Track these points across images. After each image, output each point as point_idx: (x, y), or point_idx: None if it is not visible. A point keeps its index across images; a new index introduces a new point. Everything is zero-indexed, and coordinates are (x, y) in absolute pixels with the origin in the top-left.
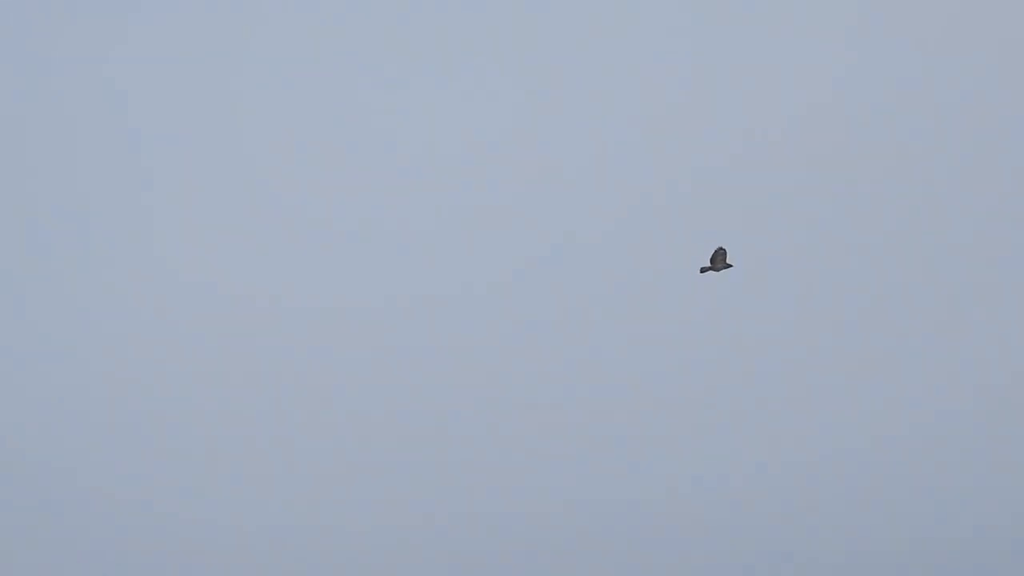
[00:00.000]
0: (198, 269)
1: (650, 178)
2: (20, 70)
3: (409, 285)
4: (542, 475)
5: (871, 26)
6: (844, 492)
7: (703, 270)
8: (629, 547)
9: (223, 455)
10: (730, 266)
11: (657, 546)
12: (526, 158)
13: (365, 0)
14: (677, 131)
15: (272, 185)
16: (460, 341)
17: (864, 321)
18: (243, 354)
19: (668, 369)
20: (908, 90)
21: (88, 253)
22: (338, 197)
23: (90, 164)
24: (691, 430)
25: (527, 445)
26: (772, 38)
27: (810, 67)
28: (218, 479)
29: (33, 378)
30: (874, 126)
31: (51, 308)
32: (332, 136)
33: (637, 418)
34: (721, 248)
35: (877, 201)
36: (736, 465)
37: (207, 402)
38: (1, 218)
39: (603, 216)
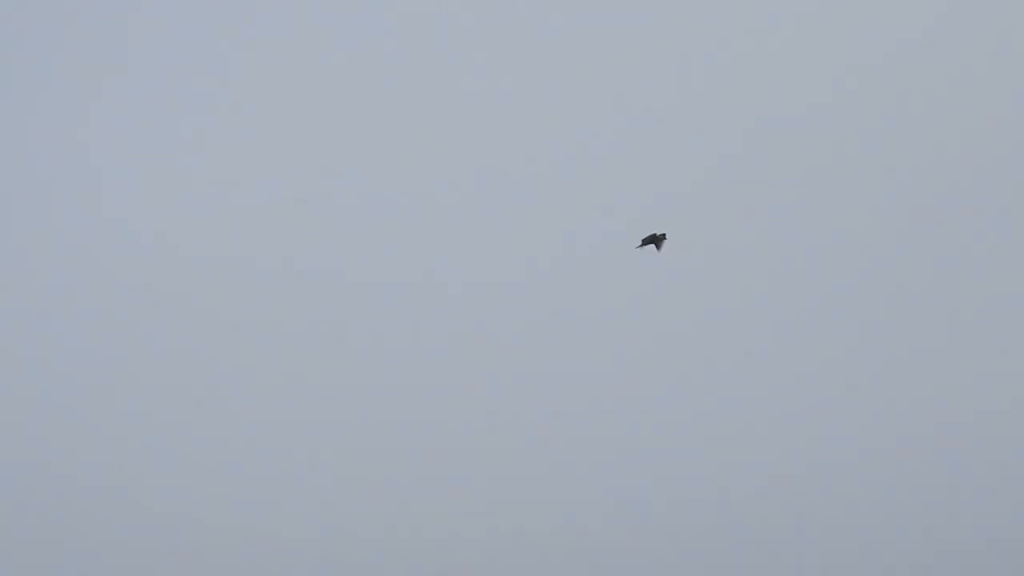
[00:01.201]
0: (192, 249)
1: (659, 176)
2: None
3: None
4: (541, 478)
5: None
6: (853, 499)
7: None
8: (643, 551)
9: (202, 439)
10: (664, 237)
11: (664, 551)
12: (538, 153)
13: None
14: (687, 129)
15: (276, 177)
16: (456, 338)
17: (875, 327)
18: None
19: (674, 371)
20: (920, 93)
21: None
22: (345, 179)
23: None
24: (700, 435)
25: (530, 446)
26: (783, 36)
27: (817, 66)
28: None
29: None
30: (886, 129)
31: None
32: (334, 121)
33: (646, 421)
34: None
35: (889, 203)
36: (745, 471)
37: (198, 397)
38: None
39: (608, 217)
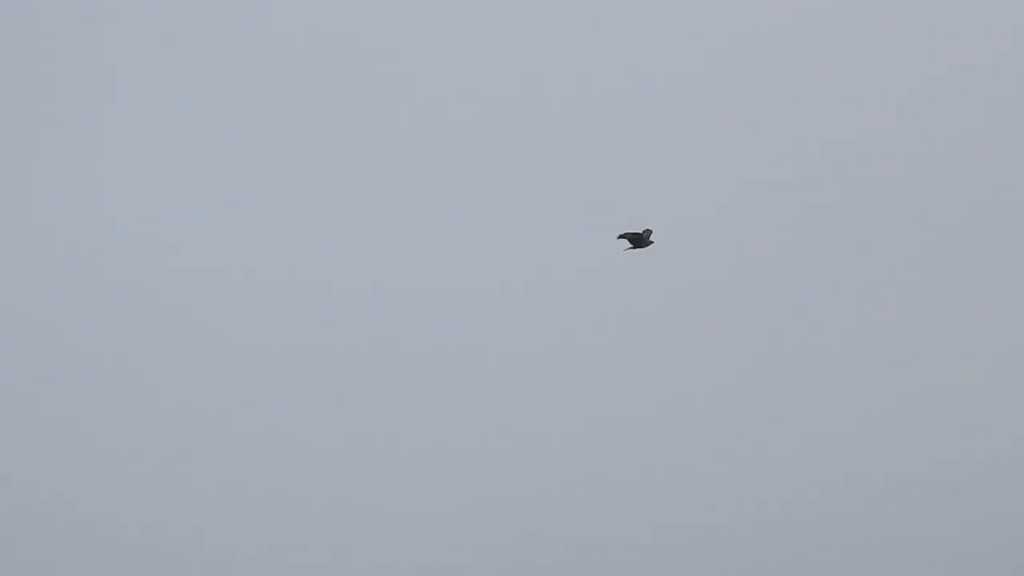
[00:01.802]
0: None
1: (659, 178)
2: None
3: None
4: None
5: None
6: (856, 501)
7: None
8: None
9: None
10: (643, 244)
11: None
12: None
13: None
14: (688, 131)
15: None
16: (461, 345)
17: (878, 331)
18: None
19: (675, 375)
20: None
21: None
22: (342, 193)
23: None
24: (702, 438)
25: (531, 449)
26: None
27: (817, 67)
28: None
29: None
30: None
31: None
32: (334, 126)
33: (662, 436)
34: (647, 230)
35: (895, 205)
36: (746, 474)
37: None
38: None
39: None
